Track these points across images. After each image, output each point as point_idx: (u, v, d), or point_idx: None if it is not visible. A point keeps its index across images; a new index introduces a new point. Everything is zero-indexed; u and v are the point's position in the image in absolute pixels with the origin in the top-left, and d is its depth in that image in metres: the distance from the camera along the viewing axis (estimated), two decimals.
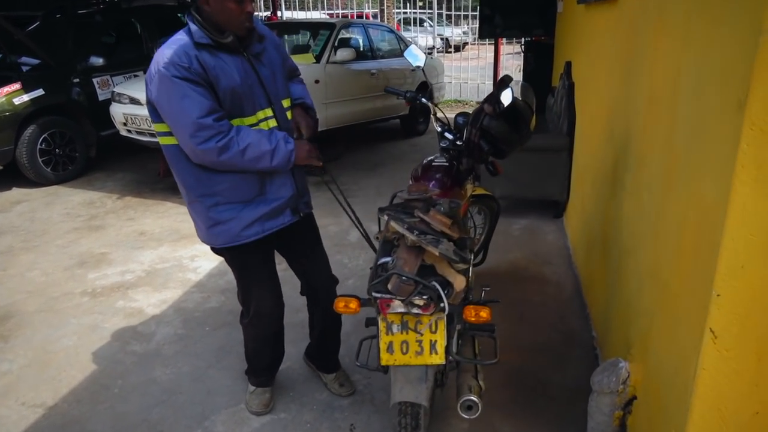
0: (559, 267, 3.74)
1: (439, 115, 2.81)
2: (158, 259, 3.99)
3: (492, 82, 9.23)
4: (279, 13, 10.92)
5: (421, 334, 1.71)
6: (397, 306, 1.67)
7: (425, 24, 16.44)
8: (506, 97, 2.38)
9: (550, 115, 5.23)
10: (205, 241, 2.18)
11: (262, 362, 2.47)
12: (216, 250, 2.23)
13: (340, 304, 1.77)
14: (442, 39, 17.75)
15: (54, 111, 5.81)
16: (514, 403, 2.46)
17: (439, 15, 14.66)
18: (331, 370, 2.57)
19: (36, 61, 6.09)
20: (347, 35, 6.68)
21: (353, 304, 1.76)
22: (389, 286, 1.53)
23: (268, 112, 2.05)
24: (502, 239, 4.12)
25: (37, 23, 6.90)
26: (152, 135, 5.30)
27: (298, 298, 2.54)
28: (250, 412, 2.44)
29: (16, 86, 5.51)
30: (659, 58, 1.93)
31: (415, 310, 1.61)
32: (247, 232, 2.08)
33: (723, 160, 1.29)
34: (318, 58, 5.81)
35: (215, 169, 1.98)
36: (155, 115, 1.95)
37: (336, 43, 6.01)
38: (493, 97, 2.45)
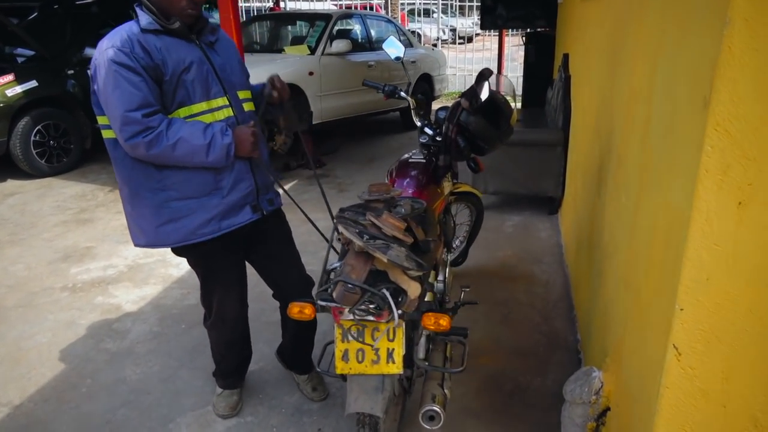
0: (550, 266, 3.63)
1: (423, 110, 2.72)
2: (142, 254, 3.92)
3: (496, 73, 9.06)
4: (282, 4, 10.80)
5: (376, 344, 1.62)
6: (348, 314, 1.58)
7: (433, 15, 16.24)
8: (484, 92, 2.28)
9: (549, 109, 5.10)
10: (151, 243, 2.04)
11: (229, 365, 2.39)
12: (176, 251, 2.12)
13: (294, 310, 1.68)
14: (450, 30, 17.55)
15: (48, 103, 5.76)
16: (490, 410, 2.36)
17: (449, 5, 14.51)
18: (304, 371, 2.49)
19: (31, 53, 6.04)
20: (345, 27, 6.57)
21: (308, 310, 1.67)
22: (334, 295, 1.44)
23: (223, 101, 1.95)
24: (493, 236, 4.02)
25: (35, 14, 6.86)
26: None
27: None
28: (216, 414, 2.37)
29: (9, 78, 5.46)
30: (639, 51, 1.82)
31: (369, 318, 1.52)
32: (202, 230, 1.97)
33: (688, 163, 1.18)
34: (313, 50, 5.71)
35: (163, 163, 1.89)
36: (98, 107, 1.87)
37: (332, 35, 5.90)
38: (471, 92, 2.34)
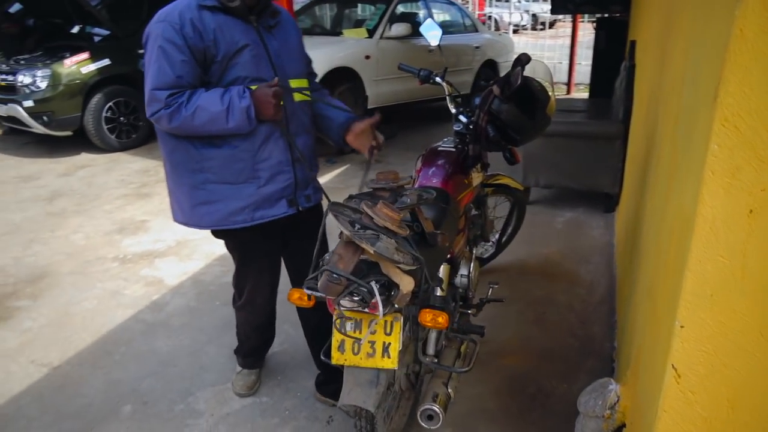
0: (597, 266, 3.43)
1: (460, 96, 2.61)
2: (191, 230, 4.03)
3: (569, 61, 8.68)
4: None
5: (364, 339, 1.58)
6: (347, 304, 1.54)
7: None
8: (516, 78, 2.15)
9: (615, 100, 4.82)
10: (186, 221, 2.06)
11: (251, 345, 2.42)
12: (214, 233, 2.13)
13: (294, 296, 1.65)
14: (529, 15, 16.93)
15: (120, 80, 6.04)
16: (506, 413, 2.27)
17: None
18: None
19: (106, 32, 6.34)
20: (407, 10, 6.46)
21: (306, 297, 1.64)
22: (318, 284, 1.40)
23: None
24: (541, 232, 3.86)
25: None
26: None
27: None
28: (234, 392, 2.41)
29: (85, 56, 5.77)
30: (680, 38, 1.65)
31: (358, 309, 1.47)
32: (235, 217, 1.96)
33: (697, 164, 1.05)
34: (371, 33, 5.66)
35: (207, 142, 1.88)
36: None
37: (393, 18, 5.82)
38: (504, 78, 2.22)
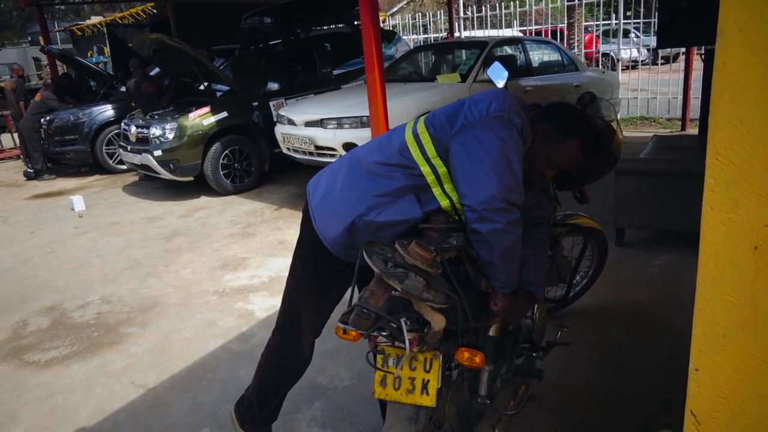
0: (693, 315, 3.17)
1: None
2: (285, 268, 4.29)
3: (683, 95, 8.20)
4: (456, 34, 11.06)
5: (398, 371, 1.61)
6: (382, 339, 1.60)
7: (631, 35, 15.17)
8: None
9: None
10: None
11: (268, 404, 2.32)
12: None
13: (339, 332, 1.74)
14: (648, 50, 16.22)
15: (235, 130, 6.64)
16: None
17: (647, 24, 13.43)
18: None
19: (226, 88, 7.04)
20: (502, 53, 6.52)
21: (353, 332, 1.72)
22: (349, 318, 1.48)
23: None
24: (631, 275, 3.65)
25: (236, 55, 8.01)
26: (304, 153, 5.77)
27: None
28: None
29: (206, 110, 6.43)
30: None
31: (387, 344, 1.52)
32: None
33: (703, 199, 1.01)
34: (464, 77, 5.77)
35: None
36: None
37: (486, 62, 5.90)
38: None
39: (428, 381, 1.65)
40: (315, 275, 2.00)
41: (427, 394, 1.65)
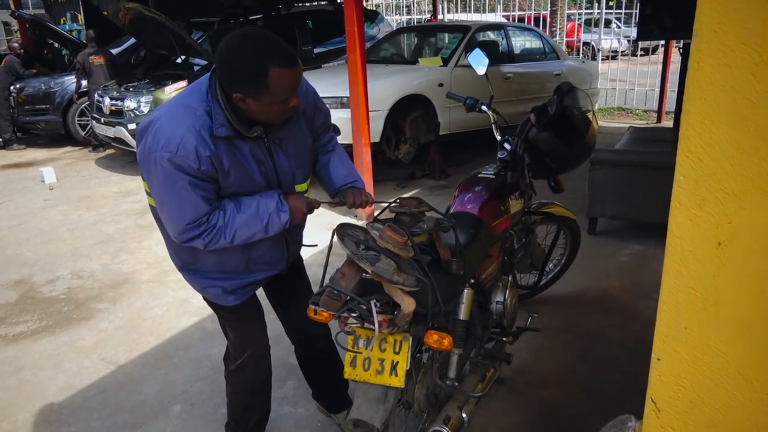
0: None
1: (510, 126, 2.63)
2: None
3: (659, 88, 8.31)
4: (440, 16, 11.00)
5: (368, 352, 1.63)
6: (352, 321, 1.61)
7: (612, 25, 15.24)
8: (552, 107, 2.16)
9: None
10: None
11: (250, 423, 2.24)
12: None
13: (311, 312, 1.74)
14: (629, 41, 16.35)
15: None
16: None
17: (629, 15, 13.52)
18: (340, 408, 2.36)
19: (205, 62, 6.90)
20: (484, 38, 6.50)
21: (324, 313, 1.73)
22: (320, 299, 1.49)
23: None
24: (603, 263, 3.73)
25: (215, 28, 7.85)
26: None
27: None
28: None
29: (183, 83, 6.31)
30: None
31: (356, 325, 1.54)
32: (229, 298, 1.93)
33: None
34: (446, 62, 5.76)
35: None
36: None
37: (468, 46, 5.89)
38: (541, 107, 2.23)
39: (397, 362, 1.67)
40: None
41: (396, 375, 1.67)
